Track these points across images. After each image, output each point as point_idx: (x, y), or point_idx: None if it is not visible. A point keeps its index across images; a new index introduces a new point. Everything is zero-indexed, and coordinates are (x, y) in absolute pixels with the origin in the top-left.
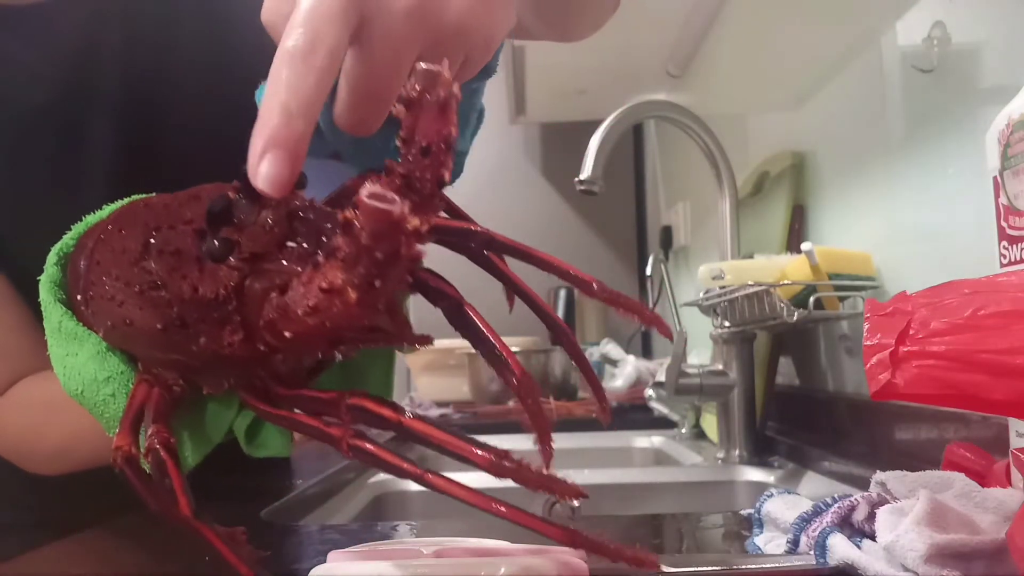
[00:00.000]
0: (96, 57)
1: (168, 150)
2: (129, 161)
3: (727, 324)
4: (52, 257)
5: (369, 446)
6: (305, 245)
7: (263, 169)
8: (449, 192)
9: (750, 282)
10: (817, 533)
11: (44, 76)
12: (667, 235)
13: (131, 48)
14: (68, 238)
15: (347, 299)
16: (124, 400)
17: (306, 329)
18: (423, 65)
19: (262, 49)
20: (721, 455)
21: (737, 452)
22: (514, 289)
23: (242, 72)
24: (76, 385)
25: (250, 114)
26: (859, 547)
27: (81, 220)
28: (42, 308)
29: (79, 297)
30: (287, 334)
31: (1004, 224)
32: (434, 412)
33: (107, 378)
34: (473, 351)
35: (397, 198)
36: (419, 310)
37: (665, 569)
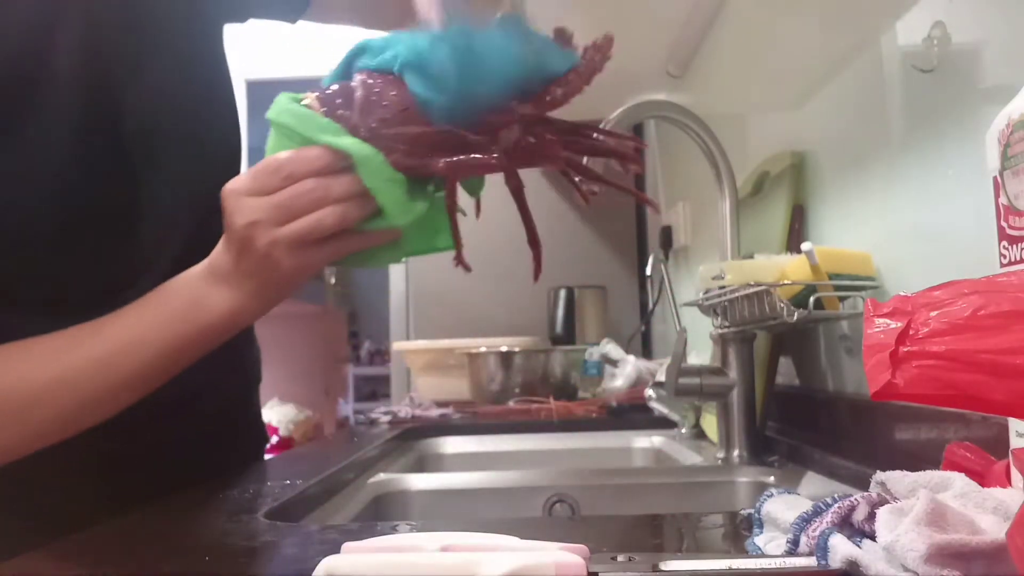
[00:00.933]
0: (62, 17)
1: (129, 108)
2: (91, 118)
3: (727, 324)
4: (288, 95)
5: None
6: None
7: None
8: None
9: (750, 282)
10: (818, 533)
11: (7, 37)
12: (667, 235)
13: (95, 7)
14: (293, 96)
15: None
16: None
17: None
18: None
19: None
20: (721, 455)
21: (737, 452)
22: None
23: (201, 31)
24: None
25: (207, 68)
26: (859, 547)
27: (33, 174)
28: (295, 122)
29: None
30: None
31: (1004, 224)
32: (434, 412)
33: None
34: (473, 351)
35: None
36: (421, 310)
37: (665, 569)
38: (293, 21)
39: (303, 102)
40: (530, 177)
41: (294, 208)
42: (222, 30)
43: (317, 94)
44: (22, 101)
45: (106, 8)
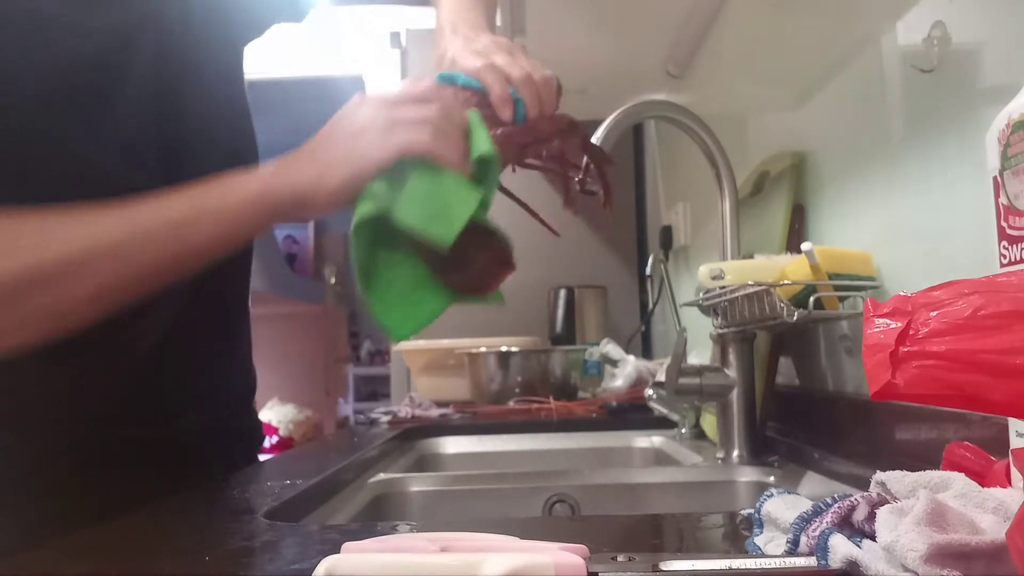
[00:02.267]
0: (142, 28)
1: (191, 99)
2: (163, 102)
3: (727, 324)
4: None
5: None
6: None
7: None
8: None
9: (750, 282)
10: (818, 533)
11: (95, 29)
12: (667, 235)
13: (164, 17)
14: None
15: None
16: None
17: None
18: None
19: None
20: (721, 455)
21: (737, 452)
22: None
23: (235, 46)
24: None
25: (238, 82)
26: (859, 547)
27: (109, 153)
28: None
29: None
30: None
31: (1004, 224)
32: (434, 412)
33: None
34: (473, 351)
35: None
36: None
37: (665, 569)
38: (300, 20)
39: None
40: (530, 175)
41: (423, 94)
42: (243, 51)
43: None
44: (107, 89)
45: (174, 25)
